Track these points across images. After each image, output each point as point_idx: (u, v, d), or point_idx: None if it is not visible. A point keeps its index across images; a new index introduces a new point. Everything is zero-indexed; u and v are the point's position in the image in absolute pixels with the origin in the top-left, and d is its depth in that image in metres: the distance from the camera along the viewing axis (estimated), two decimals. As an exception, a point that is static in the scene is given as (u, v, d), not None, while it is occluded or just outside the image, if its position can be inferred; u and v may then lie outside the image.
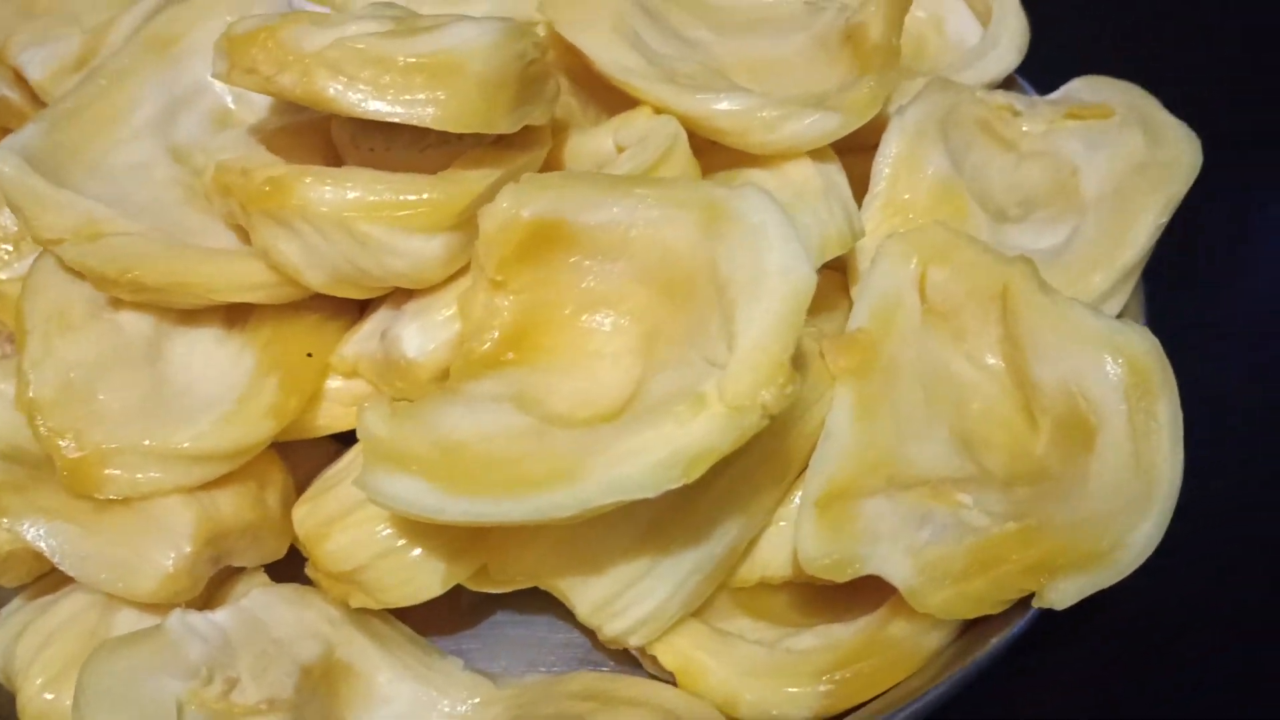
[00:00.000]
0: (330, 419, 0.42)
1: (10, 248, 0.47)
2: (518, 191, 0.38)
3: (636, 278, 0.38)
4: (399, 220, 0.38)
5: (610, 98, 0.48)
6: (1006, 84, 0.55)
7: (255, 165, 0.39)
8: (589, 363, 0.38)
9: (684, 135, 0.44)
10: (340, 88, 0.37)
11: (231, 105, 0.47)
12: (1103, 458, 0.39)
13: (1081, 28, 0.75)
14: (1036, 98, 0.53)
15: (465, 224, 0.39)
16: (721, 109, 0.44)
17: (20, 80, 0.48)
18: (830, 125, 0.45)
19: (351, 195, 0.38)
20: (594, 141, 0.46)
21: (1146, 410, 0.38)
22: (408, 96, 0.37)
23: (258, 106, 0.46)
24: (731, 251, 0.35)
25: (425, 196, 0.38)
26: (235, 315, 0.42)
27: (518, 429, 0.34)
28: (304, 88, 0.37)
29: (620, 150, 0.45)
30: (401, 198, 0.38)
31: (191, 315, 0.42)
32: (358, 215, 0.38)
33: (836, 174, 0.46)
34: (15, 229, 0.47)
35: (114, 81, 0.45)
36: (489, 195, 0.40)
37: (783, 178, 0.45)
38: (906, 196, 0.47)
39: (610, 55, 0.46)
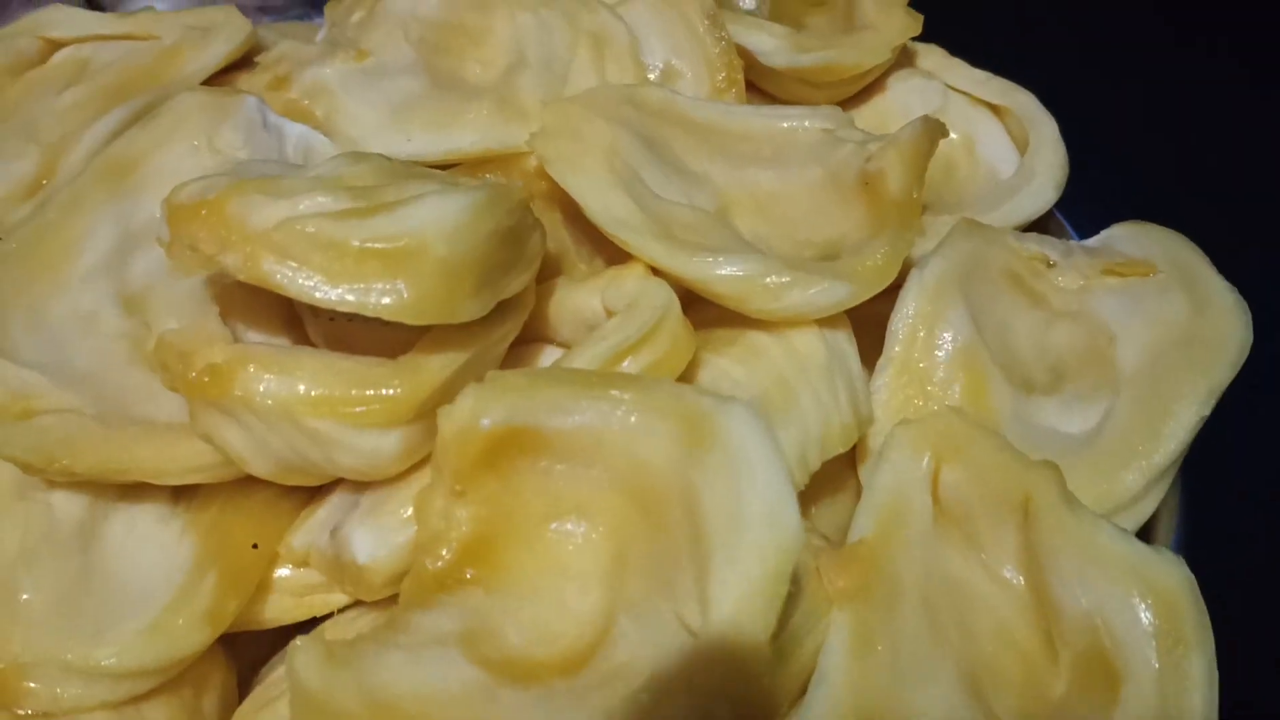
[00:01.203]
0: (279, 611, 0.38)
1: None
2: (479, 395, 0.34)
3: (610, 485, 0.35)
4: (350, 416, 0.34)
5: (606, 238, 0.44)
6: (1042, 222, 0.51)
7: (196, 346, 0.35)
8: (555, 584, 0.34)
9: (676, 305, 0.40)
10: (289, 273, 0.33)
11: (192, 242, 0.43)
12: (1126, 711, 0.34)
13: (1126, 148, 0.69)
14: (1074, 244, 0.48)
15: (426, 415, 0.36)
16: (721, 274, 0.40)
17: (-30, 199, 0.45)
18: (838, 296, 0.40)
19: (298, 389, 0.34)
20: (580, 298, 0.42)
21: (1178, 665, 0.34)
22: (361, 285, 0.33)
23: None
24: (711, 483, 0.32)
25: (380, 392, 0.34)
26: (182, 490, 0.39)
27: (463, 687, 0.31)
28: (249, 271, 0.34)
29: (608, 314, 0.41)
30: (353, 392, 0.34)
31: (134, 490, 0.38)
32: (305, 410, 0.34)
33: (845, 343, 0.42)
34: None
35: (63, 215, 0.42)
36: (456, 382, 0.36)
37: (786, 346, 0.41)
38: (923, 364, 0.43)
39: (602, 203, 0.42)
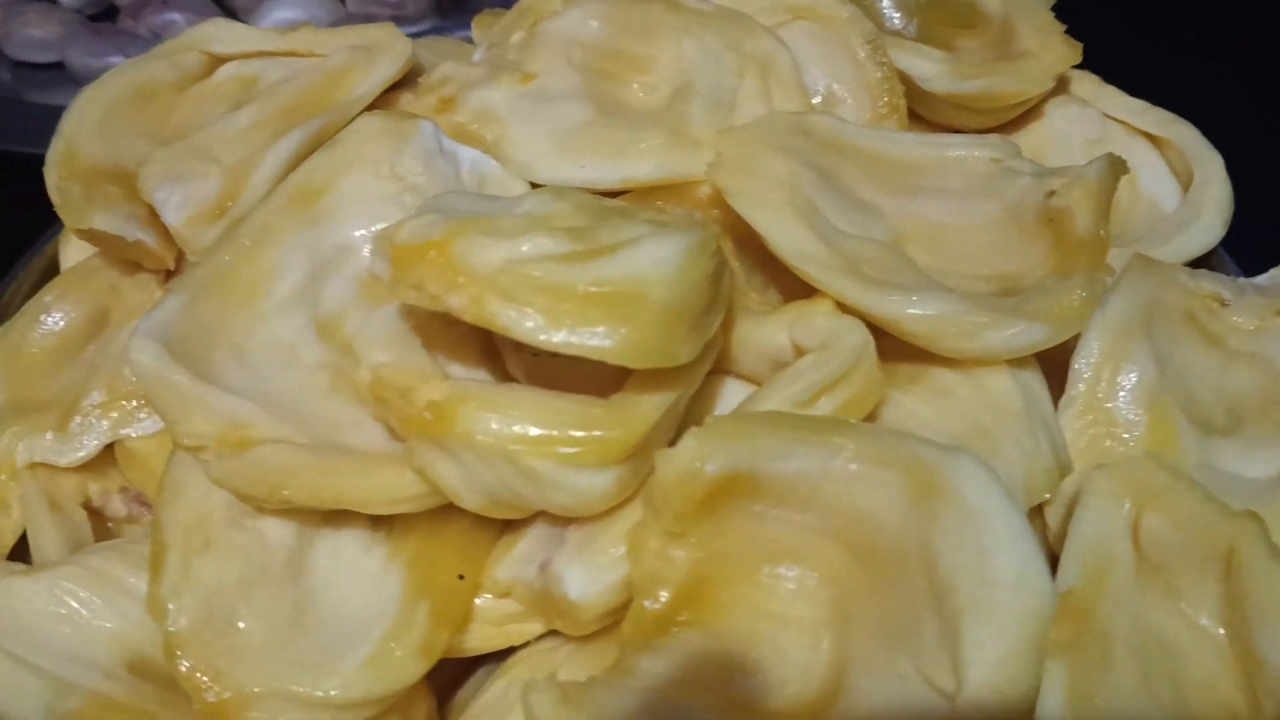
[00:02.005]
0: (479, 640, 0.39)
1: (135, 403, 0.44)
2: (702, 441, 0.34)
3: (824, 533, 0.35)
4: (567, 457, 0.35)
5: (777, 268, 0.44)
6: (1206, 258, 0.50)
7: (415, 382, 0.36)
8: (772, 630, 0.34)
9: (872, 345, 0.40)
10: (514, 316, 0.34)
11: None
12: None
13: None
14: (1243, 281, 0.48)
15: (637, 454, 0.36)
16: (914, 314, 0.40)
17: (154, 217, 0.46)
18: (1035, 338, 0.40)
19: (517, 429, 0.34)
20: (766, 333, 0.42)
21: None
22: (584, 328, 0.34)
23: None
24: (951, 543, 0.32)
25: (596, 434, 0.35)
26: (380, 517, 0.39)
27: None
28: (474, 313, 0.34)
29: (797, 350, 0.41)
30: (571, 433, 0.35)
31: (336, 517, 0.39)
32: (524, 449, 0.34)
33: (1037, 384, 0.42)
34: (144, 382, 0.45)
35: (256, 242, 0.42)
36: (665, 424, 0.36)
37: (978, 388, 0.41)
38: (1109, 405, 0.42)
39: (788, 238, 0.42)
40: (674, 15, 0.51)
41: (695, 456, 0.34)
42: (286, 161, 0.46)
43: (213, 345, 0.39)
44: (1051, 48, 0.54)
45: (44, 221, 0.55)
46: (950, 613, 0.30)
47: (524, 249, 0.35)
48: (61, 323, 0.47)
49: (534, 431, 0.34)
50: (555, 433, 0.35)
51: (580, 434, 0.35)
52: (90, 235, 0.45)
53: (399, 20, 0.73)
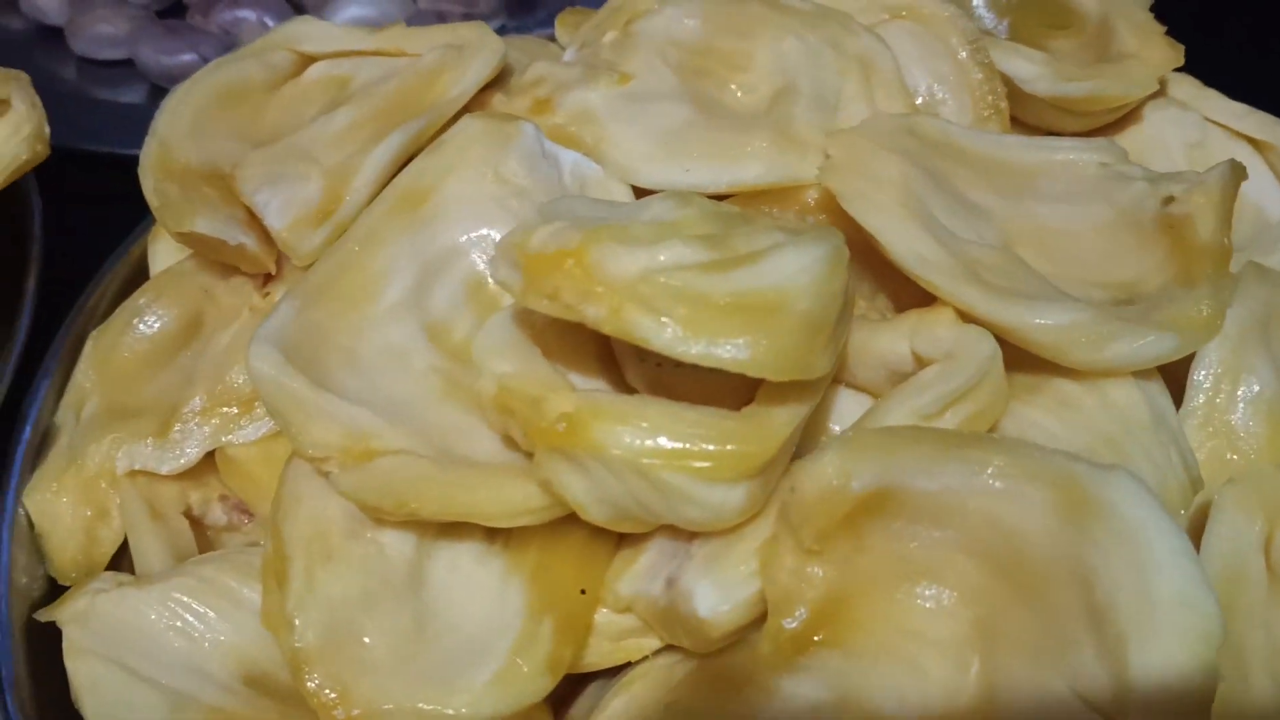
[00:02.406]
0: (598, 656, 0.38)
1: (235, 409, 0.44)
2: (845, 456, 0.33)
3: (967, 550, 0.34)
4: (701, 471, 0.34)
5: (889, 272, 0.43)
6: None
7: (544, 393, 0.35)
8: (911, 649, 0.34)
9: (999, 357, 0.39)
10: (653, 326, 0.33)
11: (484, 270, 0.43)
12: None
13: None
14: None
15: (770, 468, 0.35)
16: (1041, 324, 0.39)
17: (253, 220, 0.45)
18: (1165, 349, 0.39)
19: (651, 442, 0.33)
20: (885, 342, 0.41)
21: None
22: (724, 340, 0.33)
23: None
24: (1108, 562, 0.31)
25: (730, 448, 0.34)
26: (496, 529, 0.38)
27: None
28: (612, 324, 0.33)
29: (918, 360, 0.40)
30: (705, 447, 0.34)
31: (452, 528, 0.38)
32: (657, 463, 0.34)
33: (1161, 397, 0.41)
34: (243, 386, 0.44)
35: (365, 248, 0.41)
36: (795, 436, 0.35)
37: (1102, 399, 0.40)
38: (1230, 417, 0.41)
39: (906, 243, 0.41)
40: (773, 13, 0.50)
41: (838, 473, 0.33)
42: (387, 164, 0.45)
43: (329, 352, 0.38)
44: (1154, 49, 0.52)
45: (110, 219, 0.55)
46: (1111, 634, 0.30)
47: (661, 257, 0.34)
48: (156, 326, 0.46)
49: (668, 445, 0.34)
50: (689, 446, 0.34)
51: (714, 448, 0.34)
52: (189, 238, 0.44)
53: (470, 17, 0.72)
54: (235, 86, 0.49)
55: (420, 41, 0.51)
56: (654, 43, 0.50)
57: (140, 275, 0.51)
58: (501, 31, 0.77)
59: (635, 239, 0.34)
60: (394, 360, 0.39)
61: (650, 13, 0.51)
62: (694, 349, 0.33)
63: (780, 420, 0.35)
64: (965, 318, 0.40)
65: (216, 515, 0.43)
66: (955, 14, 0.52)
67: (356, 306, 0.40)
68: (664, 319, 0.33)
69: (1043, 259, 0.45)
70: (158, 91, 0.70)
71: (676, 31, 0.51)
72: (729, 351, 0.33)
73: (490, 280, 0.42)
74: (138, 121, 0.64)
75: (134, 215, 0.52)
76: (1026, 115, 0.54)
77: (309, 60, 0.52)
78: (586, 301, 0.33)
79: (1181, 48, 0.53)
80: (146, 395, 0.45)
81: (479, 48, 0.50)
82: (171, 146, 0.47)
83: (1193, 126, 0.53)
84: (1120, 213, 0.45)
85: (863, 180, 0.43)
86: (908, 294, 0.43)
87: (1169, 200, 0.44)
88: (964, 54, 0.51)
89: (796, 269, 0.34)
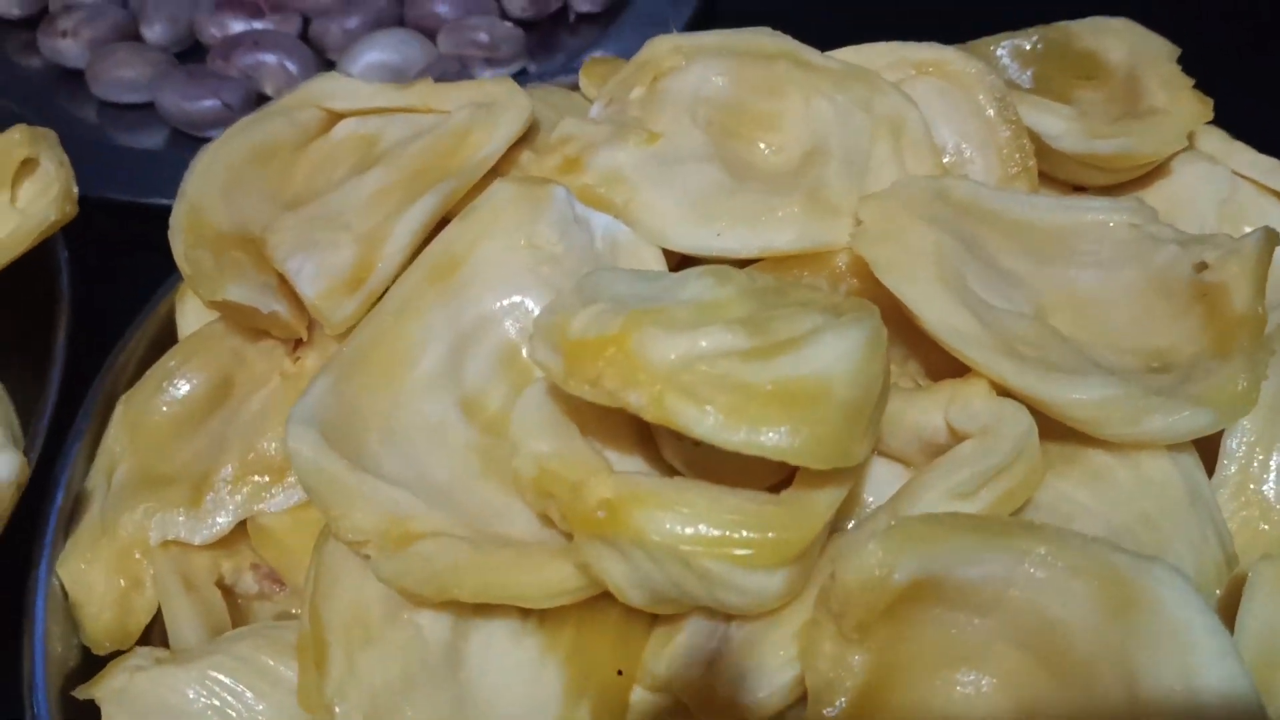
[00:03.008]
0: (633, 736, 0.38)
1: (267, 478, 0.44)
2: (887, 547, 0.33)
3: (1006, 638, 0.34)
4: (742, 559, 0.34)
5: (922, 338, 0.43)
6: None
7: (584, 476, 0.35)
8: (951, 736, 0.33)
9: (1035, 431, 0.39)
10: (694, 414, 0.33)
11: (517, 339, 0.43)
12: None
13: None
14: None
15: (809, 551, 0.35)
16: (1078, 399, 0.39)
17: (285, 286, 0.45)
18: (1200, 424, 0.39)
19: (691, 530, 0.33)
20: (918, 413, 0.41)
21: None
22: (766, 429, 0.33)
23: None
24: (1153, 659, 0.31)
25: (771, 535, 0.34)
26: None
27: None
28: (655, 411, 0.33)
29: (952, 432, 0.40)
30: (745, 534, 0.34)
31: (488, 608, 0.38)
32: (698, 550, 0.34)
33: (1196, 471, 0.41)
34: (275, 454, 0.44)
35: (398, 318, 0.41)
36: (834, 517, 0.35)
37: (1136, 472, 0.40)
38: (1263, 488, 0.41)
39: (940, 315, 0.41)
40: (801, 72, 0.50)
41: (880, 564, 0.33)
42: (419, 229, 0.45)
43: (365, 429, 0.38)
44: (1183, 104, 0.52)
45: (134, 269, 0.55)
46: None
47: (703, 344, 0.34)
48: (186, 390, 0.46)
49: (708, 532, 0.34)
50: (729, 534, 0.34)
51: (754, 535, 0.34)
52: (221, 305, 0.44)
53: (492, 62, 0.72)
54: (264, 146, 0.49)
55: (448, 98, 0.51)
56: (682, 101, 0.50)
57: (168, 332, 0.51)
58: (524, 76, 0.78)
59: (675, 323, 0.34)
60: (431, 436, 0.39)
61: (677, 70, 0.51)
62: (736, 437, 0.33)
63: (819, 505, 0.35)
64: (1000, 390, 0.40)
65: (248, 584, 0.43)
66: (981, 70, 0.52)
67: (392, 379, 0.40)
68: (706, 407, 0.33)
69: (1076, 326, 0.45)
70: (178, 136, 0.70)
71: (704, 90, 0.51)
72: (771, 440, 0.33)
73: (524, 352, 0.42)
74: (158, 168, 0.65)
75: (156, 264, 0.52)
76: (1054, 170, 0.54)
77: (337, 117, 0.52)
78: (628, 388, 0.33)
79: (1210, 102, 0.52)
80: (178, 461, 0.45)
81: (507, 106, 0.50)
82: (202, 210, 0.47)
83: (1222, 182, 0.53)
84: (1152, 277, 0.45)
85: (895, 248, 0.43)
86: (940, 360, 0.43)
87: (1202, 267, 0.44)
88: (991, 111, 0.51)
89: (836, 355, 0.34)
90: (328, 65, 0.75)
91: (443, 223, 0.46)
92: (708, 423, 0.33)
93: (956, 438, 0.40)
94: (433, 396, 0.40)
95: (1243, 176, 0.53)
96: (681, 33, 0.53)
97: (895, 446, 0.42)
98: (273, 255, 0.45)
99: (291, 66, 0.70)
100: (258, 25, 0.73)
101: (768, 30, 0.52)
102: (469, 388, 0.41)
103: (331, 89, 0.52)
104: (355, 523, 0.35)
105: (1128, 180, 0.54)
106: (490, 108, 0.50)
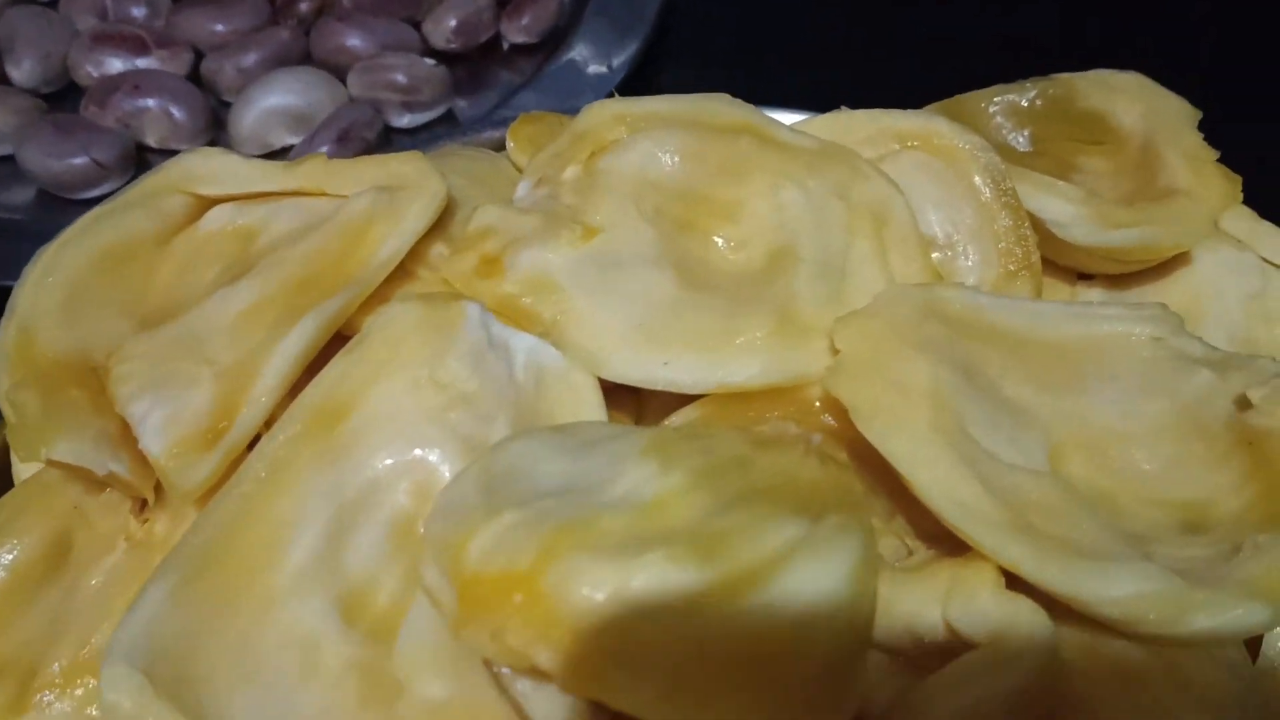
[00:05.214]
0: None
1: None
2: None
3: None
4: None
5: (905, 490, 0.35)
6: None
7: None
8: None
9: (1055, 643, 0.31)
10: (630, 685, 0.25)
11: (414, 510, 0.34)
12: None
13: None
14: None
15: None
16: (1111, 597, 0.31)
17: (129, 435, 0.36)
18: (1254, 622, 0.32)
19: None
20: (911, 603, 0.33)
21: None
22: (723, 705, 0.25)
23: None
24: None
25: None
26: None
27: None
28: (575, 683, 0.25)
29: (950, 630, 0.32)
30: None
31: None
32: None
33: (1246, 668, 0.34)
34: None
35: (263, 487, 0.33)
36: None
37: (1172, 675, 0.33)
38: (1321, 681, 0.34)
39: (936, 480, 0.34)
40: (768, 153, 0.42)
41: None
42: (295, 360, 0.36)
43: (211, 665, 0.30)
44: (1210, 184, 0.45)
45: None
46: None
47: (636, 581, 0.26)
48: (14, 554, 0.38)
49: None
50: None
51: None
52: (49, 464, 0.36)
53: (411, 106, 0.63)
54: (116, 246, 0.41)
55: (346, 179, 0.43)
56: (625, 185, 0.42)
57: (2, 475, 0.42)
58: (449, 121, 0.69)
59: (604, 545, 0.26)
60: (298, 658, 0.31)
61: (619, 146, 0.43)
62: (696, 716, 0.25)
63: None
64: (1010, 576, 0.33)
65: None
66: (976, 145, 0.44)
67: (252, 581, 0.32)
68: (646, 675, 0.25)
69: (1097, 471, 0.38)
70: (45, 197, 0.60)
71: (651, 170, 0.43)
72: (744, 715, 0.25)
73: (417, 514, 0.34)
74: (17, 241, 0.56)
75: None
76: (1058, 256, 0.46)
77: (210, 202, 0.43)
78: (539, 645, 0.25)
79: (1239, 180, 0.45)
80: (3, 646, 0.37)
81: (416, 192, 0.42)
82: (34, 332, 0.38)
83: (1252, 273, 0.46)
84: (1183, 410, 0.38)
85: (880, 389, 0.35)
86: (931, 519, 0.35)
87: (1245, 404, 0.37)
88: (987, 194, 0.44)
89: (815, 594, 0.26)
90: (222, 107, 0.65)
91: (331, 346, 0.37)
92: (645, 693, 0.25)
93: (955, 636, 0.32)
94: (304, 599, 0.32)
95: (1273, 265, 0.46)
96: (624, 98, 0.44)
97: (882, 636, 0.34)
98: (115, 394, 0.36)
99: (177, 113, 0.60)
100: (141, 63, 0.63)
101: (725, 97, 0.44)
102: (352, 577, 0.33)
103: (202, 169, 0.43)
104: (190, 802, 0.27)
105: (1144, 269, 0.46)
106: (395, 194, 0.42)
